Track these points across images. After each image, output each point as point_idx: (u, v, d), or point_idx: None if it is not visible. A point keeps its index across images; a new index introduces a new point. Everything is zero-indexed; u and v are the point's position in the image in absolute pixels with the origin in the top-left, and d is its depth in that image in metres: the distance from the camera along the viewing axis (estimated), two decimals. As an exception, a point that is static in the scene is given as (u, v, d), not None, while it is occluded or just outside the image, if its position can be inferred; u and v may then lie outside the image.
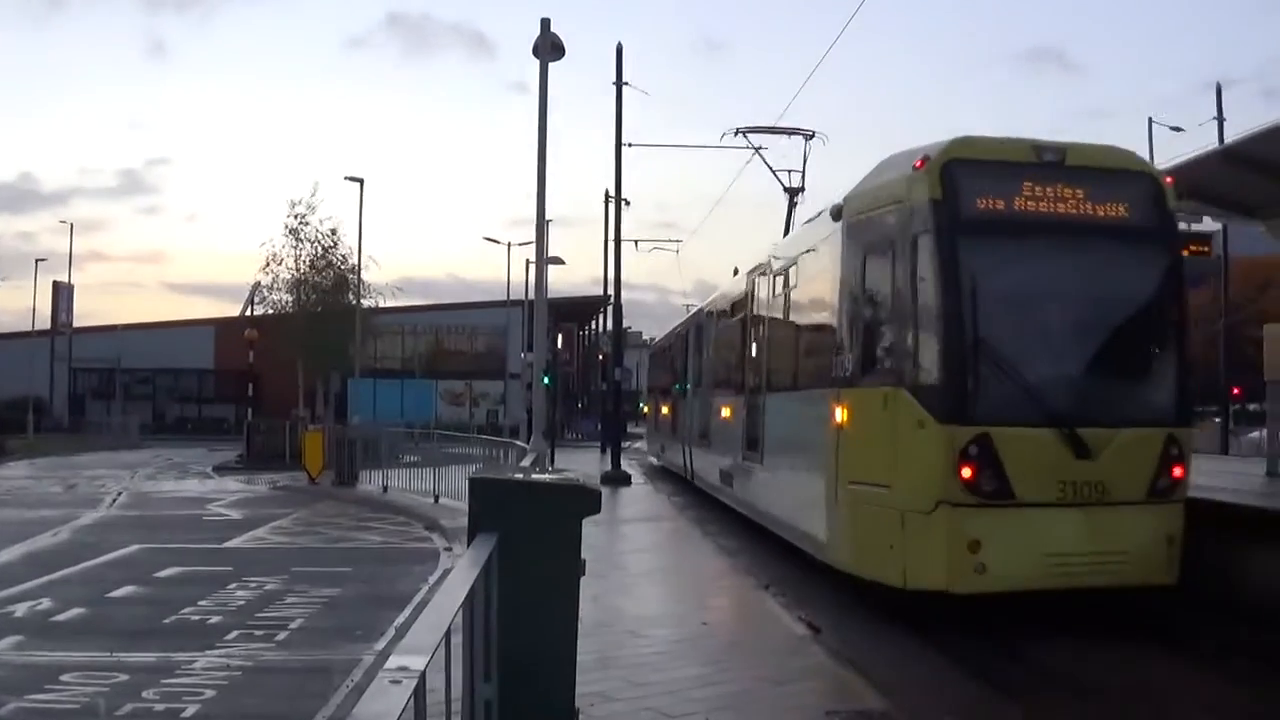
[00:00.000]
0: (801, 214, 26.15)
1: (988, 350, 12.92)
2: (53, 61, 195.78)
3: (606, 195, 49.65)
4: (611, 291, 44.59)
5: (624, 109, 36.77)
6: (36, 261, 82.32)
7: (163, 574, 17.29)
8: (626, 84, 36.79)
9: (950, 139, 13.79)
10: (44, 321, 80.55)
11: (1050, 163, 13.65)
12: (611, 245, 42.31)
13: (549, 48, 24.10)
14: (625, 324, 52.65)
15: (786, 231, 25.29)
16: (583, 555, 6.93)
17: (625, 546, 19.56)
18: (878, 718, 8.66)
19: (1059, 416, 12.77)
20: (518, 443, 28.57)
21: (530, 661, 6.49)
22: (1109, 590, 12.94)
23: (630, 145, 37.71)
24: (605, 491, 26.51)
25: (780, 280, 19.28)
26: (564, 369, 69.06)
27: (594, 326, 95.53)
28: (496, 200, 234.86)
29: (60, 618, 13.74)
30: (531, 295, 39.57)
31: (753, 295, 22.00)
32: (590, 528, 6.65)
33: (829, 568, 15.11)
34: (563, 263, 54.08)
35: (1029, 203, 13.47)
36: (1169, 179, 14.48)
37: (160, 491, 34.83)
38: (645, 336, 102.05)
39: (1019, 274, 13.66)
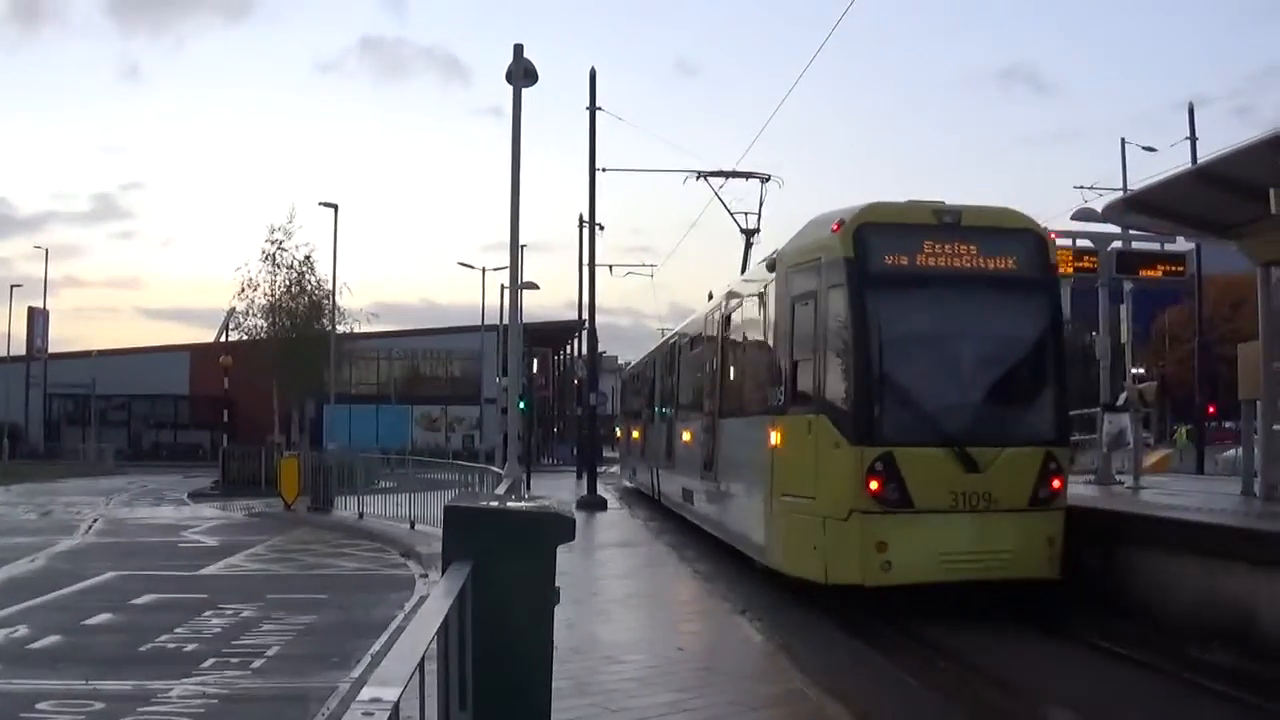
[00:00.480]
0: (756, 254, 27.89)
1: (891, 383, 15.64)
2: (26, 86, 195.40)
3: (581, 220, 49.67)
4: (586, 316, 44.65)
5: (598, 134, 36.81)
6: (12, 287, 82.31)
7: (139, 601, 17.21)
8: (600, 109, 36.84)
9: (863, 205, 16.34)
10: (19, 347, 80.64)
11: (948, 224, 16.17)
12: (586, 270, 42.36)
13: (522, 74, 24.12)
14: (600, 348, 52.85)
15: (744, 269, 26.99)
16: (558, 582, 6.95)
17: (601, 572, 19.56)
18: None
19: (951, 437, 15.25)
20: (493, 468, 28.55)
21: (506, 689, 6.49)
22: (997, 583, 15.23)
23: (604, 170, 37.99)
24: (581, 516, 26.83)
25: (728, 320, 22.24)
26: (540, 394, 69.10)
27: (569, 351, 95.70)
28: (470, 225, 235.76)
29: (36, 645, 13.65)
30: (506, 320, 39.75)
31: (705, 333, 25.18)
32: (566, 553, 6.66)
33: (771, 571, 17.53)
34: (537, 288, 54.36)
35: (928, 258, 15.99)
36: (1051, 235, 17.43)
37: (136, 518, 34.68)
38: (620, 360, 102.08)
39: (919, 318, 16.18)
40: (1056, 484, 15.55)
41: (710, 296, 26.77)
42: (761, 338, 18.95)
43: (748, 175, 32.22)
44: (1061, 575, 15.31)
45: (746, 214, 31.96)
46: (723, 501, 21.79)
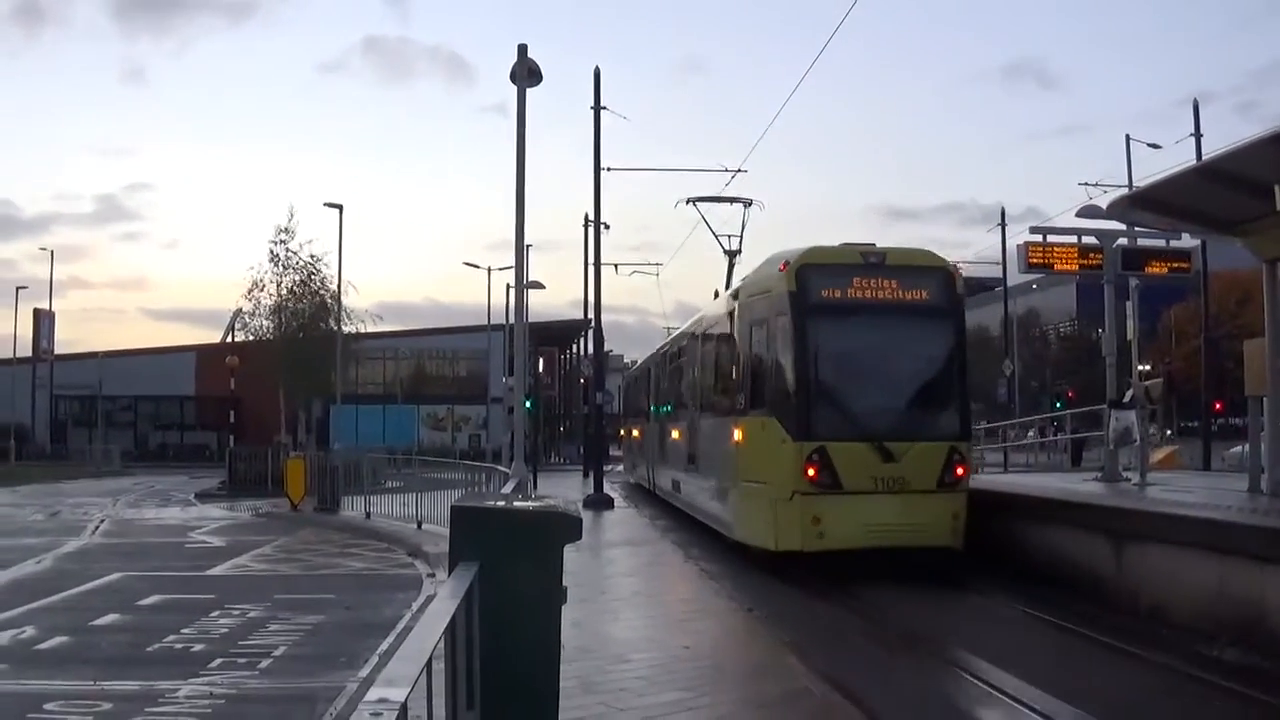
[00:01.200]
0: (739, 271, 31.22)
1: (825, 392, 19.42)
2: (30, 89, 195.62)
3: (586, 219, 49.70)
4: (592, 315, 44.62)
5: (603, 132, 36.83)
6: (17, 289, 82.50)
7: (145, 602, 17.23)
8: (605, 108, 36.84)
9: (805, 248, 20.15)
10: (25, 348, 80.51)
11: (873, 264, 19.88)
12: (591, 269, 42.32)
13: (526, 73, 24.17)
14: (606, 347, 52.75)
15: (727, 285, 30.30)
16: (565, 581, 6.95)
17: (608, 571, 19.54)
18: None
19: (872, 434, 18.90)
20: (500, 468, 28.53)
21: (513, 688, 6.49)
22: (912, 549, 18.89)
23: (609, 169, 37.87)
24: (588, 515, 26.82)
25: (705, 336, 26.07)
26: (546, 392, 68.93)
27: (575, 350, 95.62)
28: (475, 224, 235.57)
29: (43, 646, 13.69)
30: (512, 319, 39.71)
31: (686, 346, 29.36)
32: (573, 552, 6.67)
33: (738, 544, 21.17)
34: (543, 287, 54.45)
35: (856, 292, 19.71)
36: (958, 271, 20.99)
37: (142, 519, 34.69)
38: (626, 359, 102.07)
39: (847, 340, 19.84)
40: (960, 471, 19.29)
41: (716, 295, 29.97)
42: (728, 353, 22.66)
43: (732, 200, 35.03)
44: (962, 545, 19.01)
45: (730, 236, 34.69)
46: (701, 488, 25.70)
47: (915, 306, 19.92)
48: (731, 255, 34.49)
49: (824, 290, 19.66)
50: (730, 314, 22.28)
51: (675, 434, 30.50)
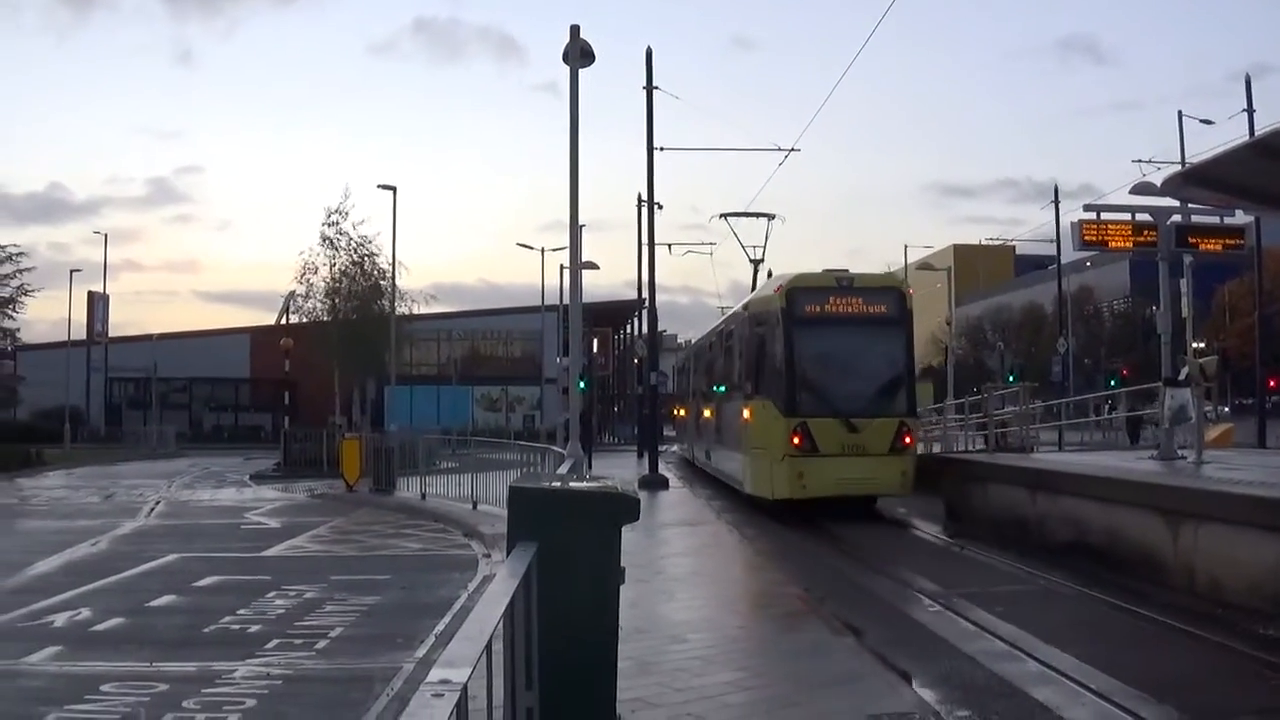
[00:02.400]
0: (761, 278, 39.21)
1: (806, 381, 26.05)
2: (79, 72, 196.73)
3: (639, 199, 49.57)
4: (646, 296, 44.58)
5: (655, 111, 36.79)
6: (71, 272, 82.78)
7: (201, 583, 17.33)
8: (657, 88, 36.78)
9: (794, 274, 27.52)
10: (79, 331, 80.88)
11: (844, 286, 26.83)
12: (645, 251, 42.24)
13: (579, 54, 24.12)
14: (660, 327, 52.71)
15: (753, 289, 38.57)
16: (621, 562, 6.98)
17: (663, 551, 19.52)
18: (918, 720, 8.70)
19: (840, 413, 25.62)
20: (555, 448, 28.58)
21: (571, 669, 6.52)
22: (872, 495, 26.62)
23: (661, 149, 37.74)
24: (643, 495, 26.85)
25: (729, 334, 33.53)
26: (600, 373, 68.96)
27: (629, 329, 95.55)
28: (527, 203, 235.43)
29: (99, 628, 13.76)
30: (565, 300, 39.72)
31: (715, 342, 37.41)
32: (628, 532, 6.67)
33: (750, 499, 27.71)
34: (597, 267, 54.35)
35: (831, 307, 26.53)
36: (910, 289, 28.14)
37: (198, 500, 34.96)
38: (680, 339, 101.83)
39: (823, 343, 26.39)
40: (907, 439, 25.99)
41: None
42: (740, 350, 30.43)
43: (757, 214, 42.30)
44: (911, 492, 26.23)
45: (755, 246, 42.10)
46: (724, 456, 33.13)
47: (874, 318, 26.87)
48: (756, 263, 42.47)
49: (807, 306, 26.49)
50: (743, 320, 30.21)
51: (707, 413, 38.19)
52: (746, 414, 27.93)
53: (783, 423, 25.57)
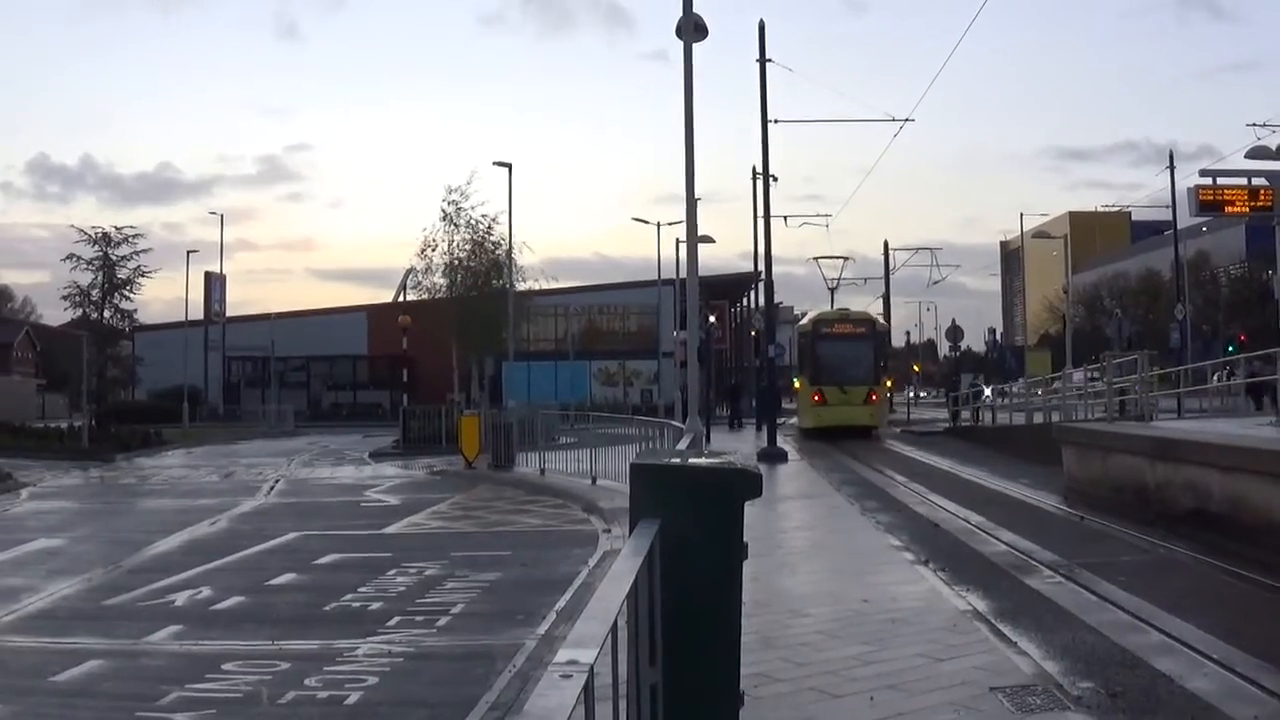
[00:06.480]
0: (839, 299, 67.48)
1: (822, 369, 50.31)
2: (184, 49, 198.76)
3: (754, 172, 49.49)
4: (762, 269, 44.52)
5: (768, 83, 36.67)
6: (188, 253, 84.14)
7: (322, 561, 17.59)
8: (770, 60, 36.72)
9: (816, 312, 60.02)
10: (196, 311, 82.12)
11: (844, 317, 53.50)
12: (760, 224, 42.32)
13: (692, 28, 24.01)
14: (777, 300, 52.98)
15: (831, 304, 66.08)
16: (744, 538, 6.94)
17: (783, 524, 19.49)
18: (1041, 693, 8.60)
19: (839, 384, 49.43)
20: (673, 423, 28.61)
21: (694, 645, 6.49)
22: (858, 427, 48.02)
23: (776, 122, 37.83)
24: (763, 469, 26.79)
25: (799, 337, 58.40)
26: (717, 346, 68.94)
27: (746, 302, 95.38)
28: (640, 174, 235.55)
29: (220, 606, 14.00)
30: (681, 273, 39.81)
31: (793, 338, 65.20)
32: (748, 506, 6.62)
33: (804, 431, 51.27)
34: (712, 241, 55.06)
35: (837, 329, 51.74)
36: (881, 320, 61.79)
37: (317, 478, 35.57)
38: (796, 311, 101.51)
39: (833, 350, 50.60)
40: (874, 398, 49.47)
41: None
42: (799, 350, 56.88)
43: (834, 257, 69.61)
44: (881, 425, 51.21)
45: (835, 279, 71.39)
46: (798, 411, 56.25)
47: (857, 335, 50.81)
48: (832, 291, 71.74)
49: (824, 329, 51.65)
50: (799, 334, 57.93)
51: (796, 385, 59.01)
52: (796, 384, 57.32)
53: (810, 390, 50.22)
